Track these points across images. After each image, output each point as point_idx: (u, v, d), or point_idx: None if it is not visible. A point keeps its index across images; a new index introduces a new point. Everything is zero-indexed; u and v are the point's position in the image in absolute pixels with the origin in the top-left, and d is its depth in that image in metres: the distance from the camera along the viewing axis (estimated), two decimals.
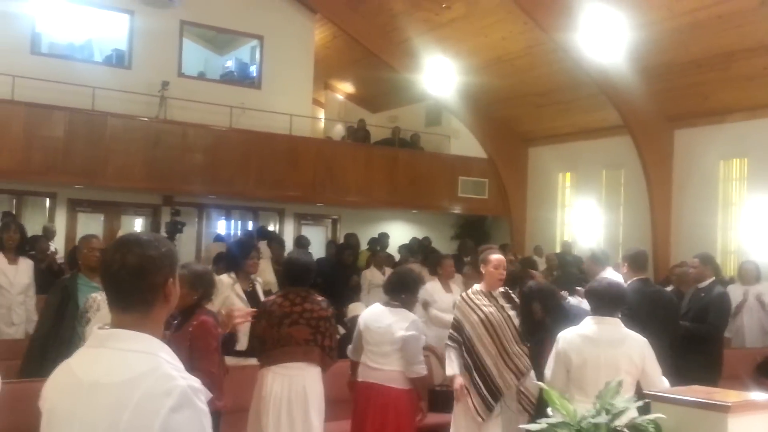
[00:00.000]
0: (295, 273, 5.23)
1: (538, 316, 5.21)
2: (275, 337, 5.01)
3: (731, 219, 12.87)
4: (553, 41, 12.60)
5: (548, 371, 4.34)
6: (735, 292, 8.81)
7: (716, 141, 12.82)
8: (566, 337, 4.28)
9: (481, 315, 5.31)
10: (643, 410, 3.08)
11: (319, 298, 5.17)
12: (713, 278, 7.10)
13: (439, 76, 14.77)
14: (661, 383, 4.29)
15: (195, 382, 1.97)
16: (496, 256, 5.43)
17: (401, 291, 5.46)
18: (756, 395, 3.49)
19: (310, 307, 5.06)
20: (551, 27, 12.23)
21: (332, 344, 5.08)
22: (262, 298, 6.98)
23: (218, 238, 13.63)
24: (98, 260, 5.52)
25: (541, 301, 5.23)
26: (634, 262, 5.82)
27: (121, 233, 11.78)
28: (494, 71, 14.38)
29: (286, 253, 13.07)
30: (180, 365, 2.02)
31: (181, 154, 13.41)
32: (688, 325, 6.61)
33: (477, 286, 5.50)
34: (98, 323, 4.57)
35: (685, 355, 6.37)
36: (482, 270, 5.43)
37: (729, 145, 12.68)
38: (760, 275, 9.78)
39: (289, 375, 4.97)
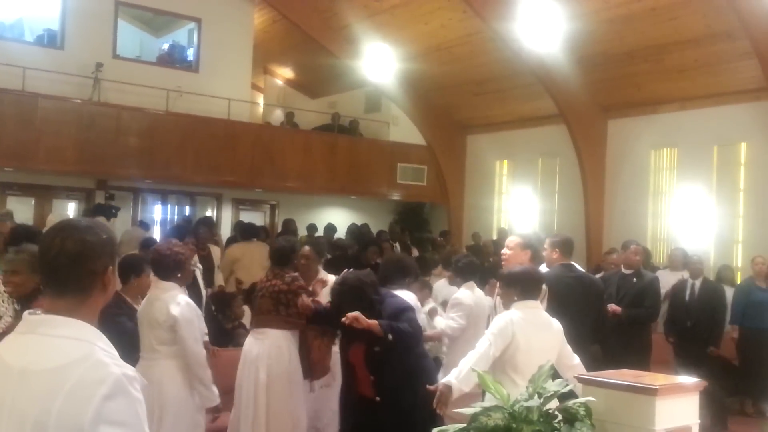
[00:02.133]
0: (275, 255, 6.02)
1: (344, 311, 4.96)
2: (255, 307, 5.98)
3: (661, 207, 13.24)
4: (491, 30, 12.73)
5: (487, 351, 4.19)
6: (664, 279, 9.08)
7: (648, 131, 13.16)
8: (513, 322, 4.26)
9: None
10: (569, 395, 3.15)
11: (286, 276, 5.81)
12: (642, 264, 7.32)
13: (379, 62, 14.77)
14: (579, 367, 4.40)
15: (129, 369, 1.95)
16: (510, 238, 5.70)
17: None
18: (682, 379, 3.61)
19: (275, 283, 5.79)
20: (490, 16, 12.35)
21: (295, 312, 5.68)
22: (201, 283, 6.95)
23: (141, 225, 13.35)
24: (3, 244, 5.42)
25: (349, 299, 4.91)
26: (564, 247, 5.94)
27: (51, 217, 11.54)
28: (433, 59, 14.46)
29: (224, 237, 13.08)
30: (115, 353, 1.99)
31: (116, 137, 13.13)
32: (629, 311, 6.83)
33: None
34: (2, 306, 4.48)
35: (617, 340, 6.57)
36: None
37: (660, 136, 13.02)
38: (687, 262, 10.13)
39: (260, 338, 5.76)
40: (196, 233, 8.98)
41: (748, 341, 8.82)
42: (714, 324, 8.49)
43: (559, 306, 4.78)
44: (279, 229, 14.72)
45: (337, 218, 16.01)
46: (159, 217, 15.66)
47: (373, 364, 4.86)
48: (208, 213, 16.01)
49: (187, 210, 16.23)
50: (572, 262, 6.02)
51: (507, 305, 4.45)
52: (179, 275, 5.02)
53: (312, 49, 16.11)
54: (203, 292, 7.10)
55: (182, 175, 13.89)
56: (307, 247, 6.28)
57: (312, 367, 5.70)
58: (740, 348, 9.07)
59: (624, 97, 13.17)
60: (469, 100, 15.63)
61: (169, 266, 4.97)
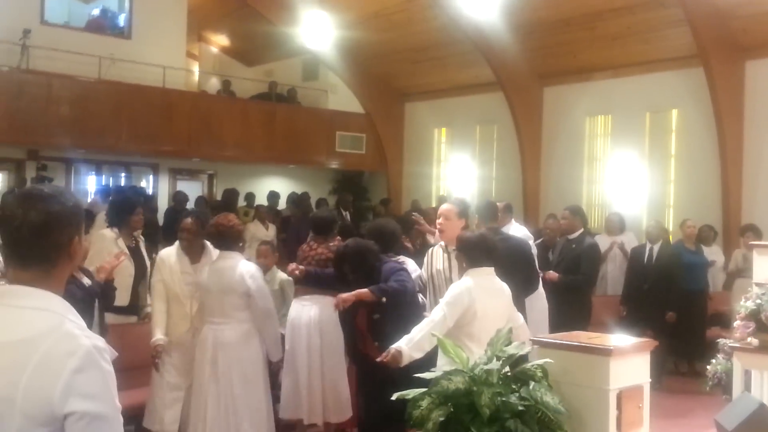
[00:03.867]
0: (317, 224, 6.34)
1: (350, 278, 5.13)
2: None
3: (596, 173, 13.52)
4: None
5: (442, 321, 4.18)
6: (602, 242, 9.32)
7: (583, 98, 13.38)
8: (469, 290, 4.24)
9: (431, 271, 5.47)
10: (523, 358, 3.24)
11: (331, 244, 6.09)
12: (582, 229, 7.46)
13: (316, 29, 14.61)
14: (524, 328, 4.49)
15: (99, 341, 1.91)
16: (443, 206, 5.63)
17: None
18: (631, 339, 3.74)
19: (321, 251, 6.10)
20: None
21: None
22: (144, 254, 6.84)
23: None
24: None
25: (350, 262, 5.14)
26: (486, 212, 6.04)
27: None
28: (371, 26, 14.38)
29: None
30: (83, 323, 1.94)
31: (46, 105, 12.73)
32: (564, 277, 6.94)
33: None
34: None
35: (555, 305, 6.72)
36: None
37: (594, 103, 13.26)
38: (624, 226, 10.43)
39: (308, 305, 6.08)
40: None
41: (683, 302, 9.10)
42: (672, 287, 8.58)
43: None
44: (218, 199, 14.57)
45: (277, 187, 15.91)
46: (93, 187, 15.31)
47: (376, 331, 5.03)
48: (143, 183, 15.73)
49: (123, 180, 15.91)
50: (497, 226, 6.12)
51: (460, 271, 4.49)
52: (240, 244, 5.64)
53: (248, 15, 15.85)
54: (147, 262, 6.99)
55: (117, 144, 13.59)
56: (188, 219, 5.79)
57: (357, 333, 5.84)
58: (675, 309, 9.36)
59: (559, 64, 13.34)
60: (408, 67, 15.62)
61: (231, 237, 5.44)
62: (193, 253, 5.70)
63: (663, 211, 12.47)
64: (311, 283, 5.85)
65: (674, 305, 8.46)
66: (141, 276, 6.44)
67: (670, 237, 11.28)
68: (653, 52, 11.89)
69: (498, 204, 6.13)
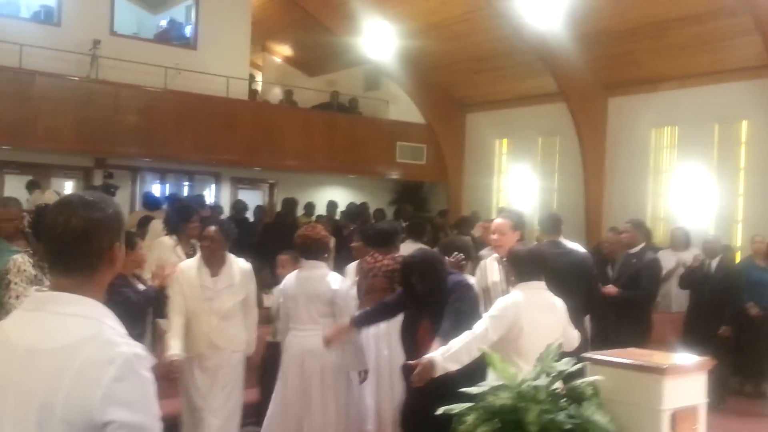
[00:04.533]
0: (378, 238, 6.38)
1: (417, 289, 4.99)
2: (366, 286, 6.07)
3: (661, 186, 13.20)
4: (491, 6, 12.63)
5: (484, 334, 4.04)
6: (666, 259, 9.06)
7: (648, 109, 13.08)
8: (516, 305, 4.09)
9: (486, 283, 5.34)
10: (576, 374, 3.13)
11: (396, 255, 6.11)
12: (644, 244, 7.26)
13: (378, 39, 14.65)
14: (574, 341, 4.36)
15: (139, 348, 1.91)
16: (496, 221, 5.49)
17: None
18: (690, 358, 3.58)
19: (386, 262, 6.10)
20: None
21: None
22: None
23: (148, 202, 13.16)
24: (15, 229, 5.37)
25: (419, 273, 4.98)
26: (546, 224, 5.89)
27: (47, 194, 11.47)
28: (433, 36, 14.34)
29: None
30: (123, 331, 1.94)
31: (114, 115, 13.02)
32: (623, 292, 6.76)
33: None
34: (21, 286, 4.48)
35: (616, 320, 6.54)
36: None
37: (660, 113, 12.95)
38: (689, 242, 10.10)
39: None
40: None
41: (750, 321, 8.80)
42: (729, 304, 8.33)
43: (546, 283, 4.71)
44: (278, 208, 14.68)
45: (336, 197, 15.96)
46: (158, 194, 15.59)
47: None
48: (206, 192, 15.97)
49: (186, 189, 16.18)
50: (560, 239, 5.96)
51: (509, 284, 4.38)
52: (325, 255, 5.78)
53: (310, 26, 15.99)
54: None
55: (180, 153, 13.82)
56: (213, 227, 5.65)
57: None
58: (740, 328, 9.04)
59: (624, 74, 13.08)
60: (469, 78, 15.53)
61: (318, 248, 5.61)
62: (215, 264, 5.54)
63: (732, 226, 12.09)
64: (371, 320, 5.52)
65: (730, 321, 8.19)
66: None
67: (738, 253, 10.92)
68: (721, 62, 11.57)
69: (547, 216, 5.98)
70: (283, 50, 19.73)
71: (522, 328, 4.02)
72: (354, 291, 6.02)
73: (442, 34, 14.20)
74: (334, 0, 15.06)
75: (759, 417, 6.86)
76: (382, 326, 5.94)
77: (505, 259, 4.58)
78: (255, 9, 16.29)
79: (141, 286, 5.20)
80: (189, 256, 6.43)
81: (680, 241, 9.96)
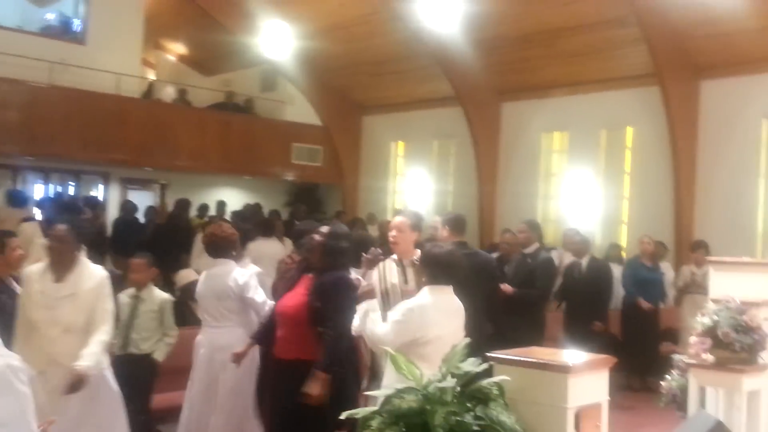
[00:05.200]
0: (298, 236, 6.18)
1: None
2: (281, 288, 5.72)
3: (552, 189, 13.58)
4: (390, 10, 12.69)
5: (386, 338, 3.95)
6: (558, 258, 9.28)
7: (540, 114, 13.44)
8: (423, 309, 3.96)
9: (385, 285, 5.15)
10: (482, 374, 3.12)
11: None
12: (538, 244, 7.40)
13: (276, 40, 14.48)
14: None
15: (14, 359, 1.76)
16: (396, 218, 5.36)
17: None
18: (594, 356, 3.65)
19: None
20: None
21: None
22: None
23: (12, 200, 12.35)
24: None
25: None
26: (455, 225, 5.91)
27: None
28: (331, 38, 14.28)
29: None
30: None
31: None
32: (519, 291, 6.86)
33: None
34: None
35: (510, 319, 6.63)
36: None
37: (551, 119, 13.33)
38: (571, 242, 10.40)
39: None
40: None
41: (635, 317, 9.14)
42: (599, 300, 8.55)
43: (454, 286, 4.70)
44: (170, 209, 14.28)
45: (231, 198, 15.70)
46: (40, 195, 14.90)
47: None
48: (94, 192, 15.39)
49: (72, 189, 15.55)
50: (465, 241, 6.00)
51: (417, 284, 4.29)
52: (233, 253, 5.75)
53: (206, 24, 15.65)
54: None
55: (66, 152, 13.26)
56: (61, 226, 4.93)
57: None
58: (626, 324, 9.39)
59: (518, 80, 13.39)
60: (366, 80, 15.55)
61: (225, 246, 5.66)
62: (61, 268, 4.80)
63: (617, 227, 12.58)
64: (271, 335, 5.27)
65: (602, 317, 8.39)
66: None
67: (623, 253, 11.31)
68: (610, 70, 12.00)
69: (439, 218, 5.98)
70: (177, 48, 19.24)
71: (428, 334, 3.90)
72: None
73: (340, 36, 14.16)
74: None
75: (649, 411, 7.09)
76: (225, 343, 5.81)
77: (416, 259, 4.49)
78: (148, 5, 15.81)
79: (18, 288, 4.91)
80: None
81: (572, 241, 10.23)
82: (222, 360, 5.41)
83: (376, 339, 4.08)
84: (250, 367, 5.50)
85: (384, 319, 4.27)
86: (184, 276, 7.55)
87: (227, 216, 13.71)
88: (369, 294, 4.43)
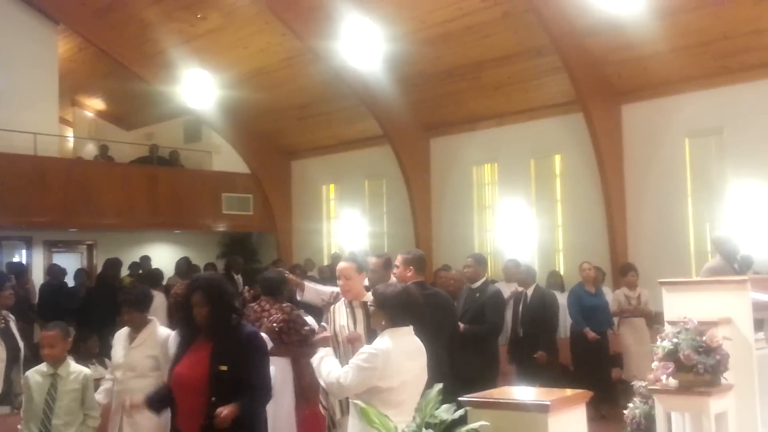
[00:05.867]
0: (266, 285, 6.34)
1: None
2: None
3: (487, 221, 13.61)
4: (312, 52, 12.64)
5: (351, 386, 3.81)
6: (503, 290, 9.22)
7: (468, 147, 13.51)
8: (386, 354, 3.78)
9: (334, 327, 5.05)
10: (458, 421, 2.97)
11: (284, 305, 6.16)
12: (485, 278, 7.34)
13: (197, 89, 14.27)
14: None
15: None
16: (339, 265, 5.22)
17: None
18: (570, 391, 3.54)
19: (273, 311, 6.09)
20: (309, 37, 12.28)
21: (297, 339, 6.04)
22: (16, 335, 6.25)
23: None
24: None
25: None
26: (419, 264, 5.75)
27: None
28: (254, 84, 14.15)
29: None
30: None
31: None
32: (470, 327, 6.76)
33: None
34: None
35: (464, 357, 6.51)
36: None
37: (480, 151, 13.40)
38: (516, 272, 10.40)
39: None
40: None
41: (584, 345, 9.11)
42: (546, 330, 8.46)
43: (422, 327, 4.55)
44: (99, 270, 13.79)
45: (162, 254, 15.29)
46: None
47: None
48: (17, 258, 14.77)
49: None
50: (423, 280, 5.88)
51: (376, 329, 4.11)
52: None
53: (124, 77, 15.31)
54: (20, 343, 6.38)
55: None
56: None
57: (304, 392, 6.05)
58: (574, 352, 9.36)
59: (444, 115, 13.47)
60: (293, 124, 15.45)
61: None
62: None
63: (553, 256, 12.63)
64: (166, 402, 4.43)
65: (546, 346, 8.30)
66: (13, 360, 5.85)
67: (562, 279, 11.35)
68: (534, 99, 12.16)
69: (376, 258, 5.82)
70: (95, 104, 18.79)
71: (393, 380, 3.75)
72: None
73: (263, 81, 14.04)
74: (148, 50, 14.51)
75: None
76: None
77: (370, 302, 4.30)
78: (62, 61, 15.42)
79: None
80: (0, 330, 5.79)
81: (513, 272, 10.23)
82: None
83: (335, 387, 3.90)
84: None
85: (341, 364, 4.10)
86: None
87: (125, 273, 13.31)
88: (325, 341, 4.25)
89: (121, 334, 5.59)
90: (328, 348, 4.24)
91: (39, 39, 14.61)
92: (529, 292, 8.72)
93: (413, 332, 4.02)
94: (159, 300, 9.50)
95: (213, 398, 3.90)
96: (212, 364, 3.97)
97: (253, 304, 6.38)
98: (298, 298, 6.00)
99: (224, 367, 3.96)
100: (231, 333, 4.10)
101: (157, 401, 4.27)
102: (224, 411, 3.81)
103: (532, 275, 8.94)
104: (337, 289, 5.44)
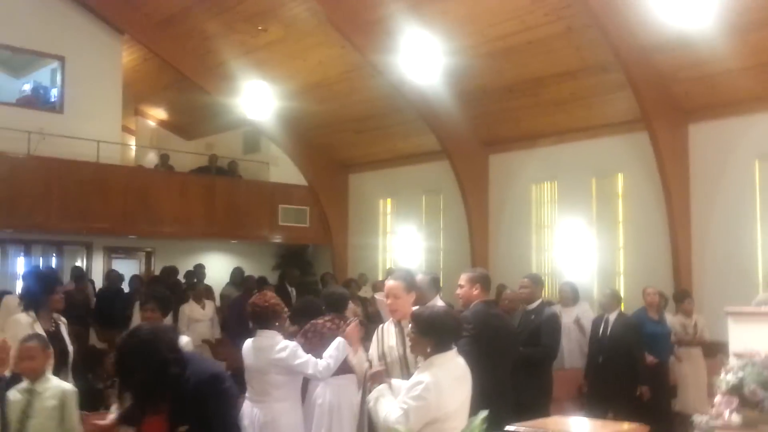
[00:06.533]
0: (331, 301, 6.32)
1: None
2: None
3: (544, 240, 13.30)
4: (371, 66, 12.57)
5: (409, 425, 3.57)
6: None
7: (528, 165, 13.24)
8: (438, 386, 3.62)
9: (383, 348, 4.94)
10: None
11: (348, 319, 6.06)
12: (541, 299, 7.11)
13: (257, 101, 14.33)
14: None
15: None
16: (387, 282, 5.07)
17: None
18: (627, 426, 3.31)
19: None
20: (369, 51, 12.20)
21: None
22: (66, 338, 6.25)
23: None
24: None
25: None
26: (485, 283, 5.48)
27: None
28: (313, 96, 14.15)
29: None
30: None
31: None
32: (524, 350, 6.53)
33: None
34: None
35: (518, 380, 6.28)
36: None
37: (540, 169, 13.12)
38: (577, 296, 10.10)
39: (338, 385, 5.94)
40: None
41: (647, 375, 8.75)
42: (633, 360, 8.21)
43: (487, 348, 4.36)
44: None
45: (217, 263, 15.38)
46: (22, 269, 14.51)
47: None
48: (78, 263, 15.01)
49: (54, 261, 15.16)
50: (493, 299, 5.68)
51: (419, 356, 3.91)
52: (277, 324, 5.54)
53: (186, 87, 15.51)
54: (69, 347, 6.38)
55: (47, 222, 12.95)
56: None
57: None
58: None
59: (504, 131, 13.24)
60: (351, 137, 15.40)
61: (268, 316, 5.48)
62: None
63: (613, 279, 12.22)
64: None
65: (644, 379, 8.07)
66: (62, 363, 5.83)
67: (622, 305, 10.98)
68: (597, 117, 11.85)
69: (423, 277, 5.63)
70: (157, 113, 19.09)
71: (448, 409, 3.59)
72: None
73: (321, 94, 14.03)
74: (209, 61, 14.66)
75: None
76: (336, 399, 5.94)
77: (410, 329, 4.10)
78: (126, 71, 15.70)
79: None
80: (50, 333, 5.77)
81: (568, 296, 9.94)
82: None
83: (393, 428, 3.67)
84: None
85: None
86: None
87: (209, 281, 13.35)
88: (379, 376, 4.06)
89: None
90: (383, 385, 4.05)
91: (104, 49, 14.90)
92: (612, 317, 8.45)
93: (456, 354, 3.82)
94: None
95: None
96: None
97: (322, 321, 6.19)
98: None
99: (183, 429, 3.37)
100: (179, 389, 3.39)
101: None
102: None
103: (617, 300, 8.68)
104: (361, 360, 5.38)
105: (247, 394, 5.53)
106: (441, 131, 13.31)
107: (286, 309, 5.78)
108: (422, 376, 3.72)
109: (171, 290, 11.76)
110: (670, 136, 11.09)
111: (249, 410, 5.44)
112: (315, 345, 5.86)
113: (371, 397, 4.00)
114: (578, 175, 12.51)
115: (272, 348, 5.39)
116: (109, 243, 15.29)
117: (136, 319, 9.18)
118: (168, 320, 5.89)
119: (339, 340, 5.53)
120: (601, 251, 12.27)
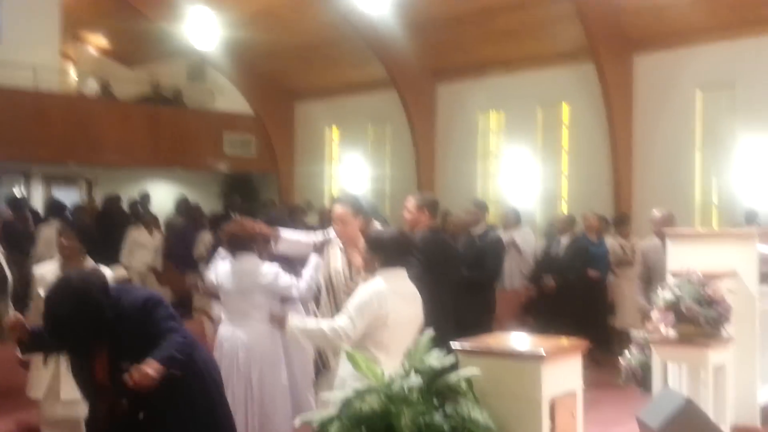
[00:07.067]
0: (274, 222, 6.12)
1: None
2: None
3: (490, 169, 13.48)
4: None
5: (349, 326, 3.61)
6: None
7: (475, 94, 13.30)
8: (380, 294, 3.69)
9: (329, 271, 4.97)
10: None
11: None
12: (486, 225, 7.25)
13: (201, 28, 13.95)
14: None
15: None
16: (334, 208, 5.08)
17: None
18: (566, 341, 3.44)
19: None
20: None
21: None
22: (4, 265, 6.15)
23: None
24: None
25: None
26: (434, 208, 5.51)
27: None
28: (260, 24, 13.85)
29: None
30: None
31: None
32: (470, 273, 6.67)
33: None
34: None
35: (463, 301, 6.44)
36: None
37: (487, 99, 13.20)
38: (519, 221, 10.39)
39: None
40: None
41: (581, 292, 9.03)
42: (582, 279, 8.55)
43: (431, 273, 4.42)
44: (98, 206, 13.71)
45: (161, 192, 15.23)
46: None
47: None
48: (16, 191, 14.70)
49: None
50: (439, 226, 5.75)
51: (370, 273, 4.01)
52: (254, 247, 5.44)
53: (128, 14, 15.04)
54: (8, 275, 6.28)
55: None
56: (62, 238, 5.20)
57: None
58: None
59: (452, 61, 13.22)
60: (298, 66, 15.19)
61: (246, 241, 5.40)
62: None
63: (556, 204, 12.54)
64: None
65: (580, 293, 8.37)
66: (2, 291, 5.75)
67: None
68: (545, 47, 11.91)
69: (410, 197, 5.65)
70: (98, 40, 18.48)
71: (386, 319, 3.64)
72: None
73: (269, 22, 13.74)
74: None
75: (603, 387, 6.84)
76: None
77: (363, 248, 4.17)
78: None
79: None
80: None
81: (511, 221, 10.23)
82: (246, 358, 5.25)
83: (343, 340, 3.59)
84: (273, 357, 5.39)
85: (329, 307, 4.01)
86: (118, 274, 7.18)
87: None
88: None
89: None
90: (296, 315, 4.11)
91: None
92: (563, 239, 8.74)
93: (407, 277, 3.90)
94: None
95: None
96: (112, 365, 3.36)
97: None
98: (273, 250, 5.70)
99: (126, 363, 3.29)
100: (114, 330, 3.36)
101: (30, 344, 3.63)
102: (136, 374, 3.20)
103: (570, 223, 9.00)
104: (319, 238, 5.29)
105: (224, 317, 5.46)
106: (389, 60, 13.23)
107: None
108: (366, 285, 3.84)
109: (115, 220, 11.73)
110: (615, 67, 11.24)
111: (230, 333, 5.32)
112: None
113: (295, 327, 3.89)
114: (524, 105, 12.64)
115: (257, 271, 5.32)
116: (48, 171, 14.97)
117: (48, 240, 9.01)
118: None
119: (315, 259, 5.42)
120: (545, 178, 12.53)
